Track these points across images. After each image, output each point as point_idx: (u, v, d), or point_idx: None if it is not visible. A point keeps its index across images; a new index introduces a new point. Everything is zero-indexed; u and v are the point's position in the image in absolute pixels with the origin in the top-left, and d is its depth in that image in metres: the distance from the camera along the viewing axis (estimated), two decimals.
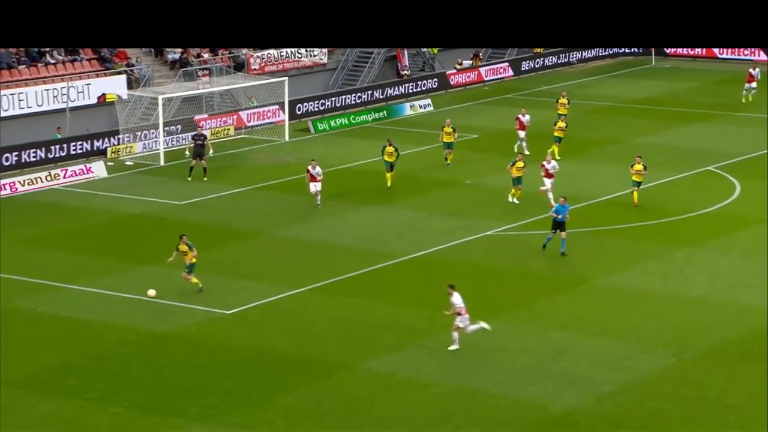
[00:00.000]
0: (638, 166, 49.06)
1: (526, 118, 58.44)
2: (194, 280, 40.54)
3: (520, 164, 50.01)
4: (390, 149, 52.61)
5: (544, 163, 49.78)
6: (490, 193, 52.40)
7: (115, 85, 63.94)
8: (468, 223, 48.42)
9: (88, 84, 63.06)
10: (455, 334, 35.69)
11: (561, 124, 58.50)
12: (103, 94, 63.37)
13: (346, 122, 67.52)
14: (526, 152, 55.71)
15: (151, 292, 39.47)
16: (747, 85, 70.11)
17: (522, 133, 58.68)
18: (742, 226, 47.33)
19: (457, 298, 35.63)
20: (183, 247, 40.19)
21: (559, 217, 43.57)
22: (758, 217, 48.02)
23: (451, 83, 76.19)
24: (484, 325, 35.98)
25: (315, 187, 50.25)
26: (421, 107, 70.81)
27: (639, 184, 49.16)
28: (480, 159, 58.00)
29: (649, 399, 33.10)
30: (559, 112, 61.81)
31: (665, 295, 40.83)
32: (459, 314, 35.60)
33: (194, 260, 40.23)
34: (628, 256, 43.98)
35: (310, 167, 50.48)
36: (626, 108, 70.23)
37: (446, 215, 49.44)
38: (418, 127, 66.12)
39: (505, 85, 77.58)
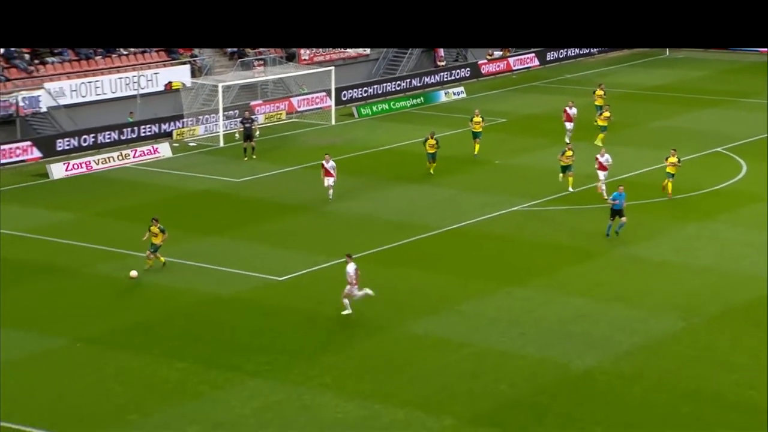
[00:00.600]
0: (673, 159, 47.34)
1: (573, 111, 56.82)
2: (161, 259, 40.05)
3: (569, 153, 48.85)
4: (432, 141, 51.70)
5: (598, 156, 48.03)
6: (518, 172, 52.32)
7: (180, 74, 64.14)
8: (497, 200, 48.33)
9: (156, 73, 63.39)
10: (346, 301, 35.51)
11: (606, 114, 56.85)
12: (170, 82, 63.59)
13: (387, 108, 67.40)
14: (567, 141, 54.14)
15: (133, 273, 38.57)
16: None
17: (569, 125, 57.25)
18: (749, 202, 47.09)
19: (351, 268, 35.38)
20: (155, 229, 39.58)
21: (617, 203, 42.32)
22: (763, 195, 47.72)
23: (483, 72, 75.86)
24: (368, 291, 35.66)
25: (328, 181, 48.17)
26: (455, 94, 70.63)
27: (673, 175, 47.32)
28: (508, 141, 57.84)
29: (661, 359, 33.06)
30: (596, 103, 59.96)
31: (676, 264, 40.70)
32: (350, 283, 35.38)
33: (162, 242, 39.52)
34: (643, 229, 43.74)
35: (324, 161, 48.41)
36: (642, 95, 69.78)
37: (477, 192, 49.35)
38: (452, 113, 65.93)
39: (532, 74, 77.18)
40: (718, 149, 56.06)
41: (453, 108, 67.48)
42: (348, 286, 35.56)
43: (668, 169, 47.46)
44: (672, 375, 32.00)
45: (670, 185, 47.32)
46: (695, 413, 29.89)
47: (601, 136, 55.71)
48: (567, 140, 55.26)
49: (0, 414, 29.64)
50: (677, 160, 47.45)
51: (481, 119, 54.98)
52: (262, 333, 35.28)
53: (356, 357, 33.52)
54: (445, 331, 35.18)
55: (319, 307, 37.24)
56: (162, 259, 39.92)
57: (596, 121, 56.87)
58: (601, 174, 47.40)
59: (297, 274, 40.23)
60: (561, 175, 48.58)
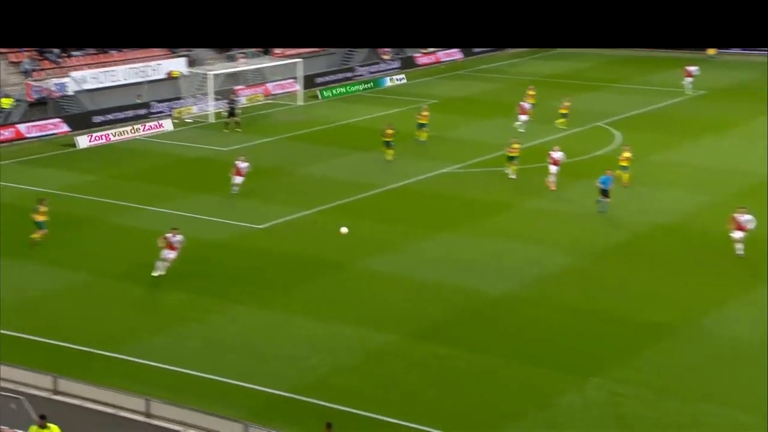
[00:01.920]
0: (627, 154, 43.60)
1: (558, 155, 45.76)
2: (36, 235, 36.21)
3: (516, 145, 44.86)
4: (389, 131, 48.56)
5: (551, 152, 43.58)
6: (447, 142, 52.14)
7: (178, 65, 63.46)
8: (431, 164, 48.22)
9: (159, 64, 62.72)
10: (160, 263, 33.53)
11: (567, 103, 54.31)
12: (170, 71, 62.89)
13: (344, 91, 66.94)
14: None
15: (344, 230, 33.86)
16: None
17: (523, 117, 52.75)
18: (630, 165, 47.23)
19: (178, 238, 33.61)
20: (43, 209, 36.15)
21: (603, 186, 39.82)
22: (634, 156, 47.98)
23: (417, 63, 75.38)
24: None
25: (237, 179, 42.41)
26: (397, 80, 70.22)
27: (627, 168, 43.23)
28: (439, 118, 57.60)
29: (561, 287, 33.20)
30: (530, 101, 55.48)
31: (569, 213, 40.79)
32: (172, 249, 33.42)
33: (42, 218, 35.97)
34: (543, 187, 43.75)
35: (238, 161, 42.82)
36: (542, 81, 69.73)
37: (415, 158, 49.16)
38: (395, 95, 65.73)
39: (457, 65, 76.78)
40: (598, 123, 56.12)
41: (395, 91, 67.26)
42: (167, 251, 33.39)
43: (621, 163, 43.60)
44: (570, 299, 32.17)
45: (625, 176, 42.99)
46: (587, 328, 30.07)
47: (561, 120, 54.54)
48: (521, 129, 52.70)
49: (47, 332, 29.30)
50: (630, 154, 43.83)
51: (427, 113, 52.77)
52: (245, 270, 35.05)
53: (321, 288, 33.41)
54: (391, 267, 35.13)
55: (291, 248, 37.03)
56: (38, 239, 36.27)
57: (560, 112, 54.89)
58: (553, 168, 43.05)
59: (273, 223, 39.94)
60: (507, 164, 45.10)
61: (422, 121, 52.53)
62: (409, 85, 68.76)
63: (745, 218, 33.87)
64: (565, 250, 36.36)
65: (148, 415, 25.01)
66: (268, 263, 35.67)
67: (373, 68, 71.75)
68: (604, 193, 39.98)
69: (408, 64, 74.35)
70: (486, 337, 29.57)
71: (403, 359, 28.36)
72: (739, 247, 34.24)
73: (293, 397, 26.13)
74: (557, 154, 43.49)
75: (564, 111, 55.33)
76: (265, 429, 23.76)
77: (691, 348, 28.61)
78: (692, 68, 63.62)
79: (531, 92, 57.52)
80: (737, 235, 34.10)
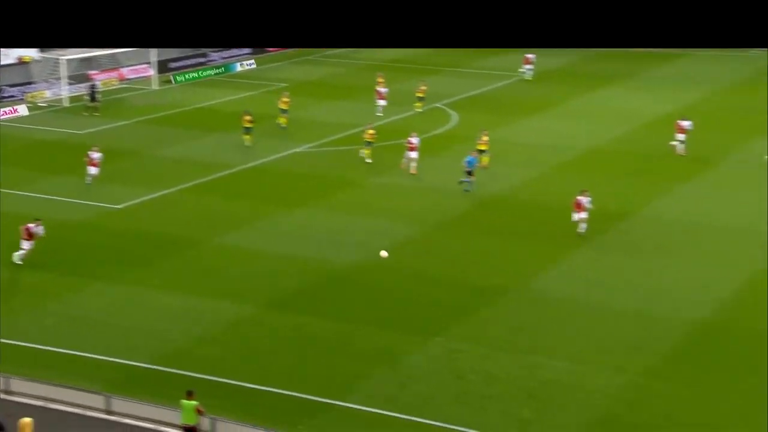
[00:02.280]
0: (485, 138, 43.31)
1: (384, 90, 52.36)
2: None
3: (371, 131, 44.42)
4: (248, 117, 47.64)
5: (411, 138, 42.87)
6: (297, 124, 52.15)
7: (29, 50, 60.90)
8: (283, 144, 48.22)
9: (9, 48, 60.08)
10: (22, 252, 32.49)
11: (420, 95, 54.25)
12: (21, 56, 60.30)
13: (197, 76, 65.90)
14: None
15: (383, 254, 30.91)
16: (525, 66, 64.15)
17: (382, 102, 52.49)
18: (460, 141, 48.44)
19: (40, 229, 32.57)
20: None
21: (468, 167, 40.05)
22: (470, 136, 49.27)
23: (267, 48, 74.77)
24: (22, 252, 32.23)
25: (92, 170, 40.92)
26: (247, 65, 69.62)
27: (485, 151, 42.89)
28: (290, 101, 57.61)
29: (406, 256, 33.60)
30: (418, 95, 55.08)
31: (413, 187, 41.50)
32: (30, 238, 32.24)
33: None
34: (384, 165, 44.03)
35: (91, 152, 41.16)
36: (386, 66, 70.22)
37: (268, 138, 49.05)
38: (246, 79, 65.21)
39: (305, 50, 76.17)
40: (437, 105, 57.16)
41: (247, 75, 66.72)
42: (27, 243, 32.26)
43: (480, 147, 42.82)
44: (412, 266, 32.83)
45: (485, 159, 42.21)
46: (429, 292, 30.85)
47: (418, 104, 54.60)
48: (379, 113, 52.48)
49: None
50: (487, 138, 43.16)
51: (288, 99, 51.62)
52: (105, 248, 34.39)
53: (180, 264, 33.12)
54: (247, 242, 35.12)
55: (149, 227, 36.49)
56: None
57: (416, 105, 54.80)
58: (412, 154, 42.43)
59: (131, 203, 39.22)
60: (363, 148, 44.57)
61: (284, 107, 52.07)
62: (259, 70, 68.33)
63: (586, 200, 34.71)
64: (410, 222, 37.09)
65: (7, 392, 24.36)
66: (127, 242, 35.07)
67: (225, 53, 70.86)
68: (469, 173, 40.37)
69: (258, 49, 73.76)
70: (338, 305, 30.00)
71: (261, 328, 28.52)
72: (582, 227, 34.97)
73: (154, 368, 25.94)
74: (415, 140, 43.20)
75: (420, 95, 55.73)
76: (127, 400, 23.56)
77: (521, 306, 29.82)
78: (531, 56, 64.83)
79: (381, 79, 57.65)
80: (580, 215, 34.65)
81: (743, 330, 27.89)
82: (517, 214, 38.27)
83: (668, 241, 34.74)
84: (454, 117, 53.92)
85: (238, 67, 68.68)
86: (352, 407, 24.08)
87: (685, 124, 45.19)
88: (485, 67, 68.50)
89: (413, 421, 23.47)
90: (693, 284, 31.07)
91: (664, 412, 23.66)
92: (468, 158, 40.68)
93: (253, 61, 70.29)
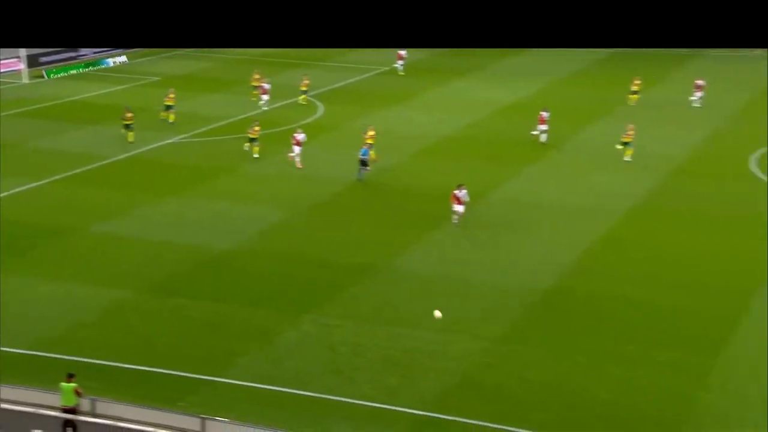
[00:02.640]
0: (371, 132, 42.49)
1: (267, 85, 52.07)
2: None
3: (257, 128, 43.30)
4: (129, 114, 45.83)
5: (295, 134, 42.03)
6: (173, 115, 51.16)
7: None
8: (157, 135, 47.23)
9: None
10: None
11: (304, 88, 53.76)
12: None
13: (69, 70, 63.84)
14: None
15: (437, 314, 26.96)
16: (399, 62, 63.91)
17: (297, 149, 48.50)
18: (326, 131, 48.65)
19: None
20: None
21: (362, 156, 39.80)
22: (335, 125, 49.54)
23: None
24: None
25: None
26: (119, 61, 67.72)
27: (372, 145, 41.81)
28: (163, 94, 56.47)
29: (277, 239, 33.77)
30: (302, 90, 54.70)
31: (281, 175, 41.32)
32: None
33: None
34: (251, 154, 44.03)
35: None
36: (254, 60, 69.55)
37: (142, 130, 47.88)
38: (117, 74, 63.51)
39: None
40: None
41: (119, 69, 65.03)
42: None
43: (368, 140, 42.03)
44: (283, 249, 32.86)
45: (373, 154, 41.14)
46: (301, 273, 30.94)
47: (302, 97, 54.17)
48: (265, 108, 51.72)
49: None
50: (374, 133, 42.51)
51: (174, 96, 50.24)
52: None
53: (57, 252, 32.19)
54: (123, 230, 34.37)
55: (25, 217, 35.22)
56: None
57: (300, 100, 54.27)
58: (296, 149, 41.63)
59: (5, 194, 37.82)
60: (248, 144, 43.37)
61: (169, 103, 50.41)
62: (131, 64, 66.57)
63: (462, 193, 34.63)
64: (281, 208, 37.05)
65: None
66: (3, 232, 33.72)
67: (97, 48, 68.71)
68: (363, 162, 40.11)
69: None
70: (215, 288, 29.75)
71: (139, 312, 28.01)
72: (455, 218, 34.57)
73: (35, 354, 25.13)
74: (300, 136, 42.29)
75: (304, 88, 55.30)
76: (7, 386, 22.77)
77: (387, 283, 30.28)
78: (403, 52, 64.70)
79: (257, 76, 56.51)
80: (458, 208, 34.54)
81: (583, 295, 29.17)
82: (382, 197, 38.74)
83: (517, 219, 35.90)
84: (321, 108, 53.99)
85: (110, 63, 66.72)
86: (230, 382, 24.00)
87: (546, 114, 46.45)
88: (349, 61, 68.75)
89: (289, 393, 23.59)
90: (539, 257, 32.24)
91: (515, 373, 24.56)
92: (362, 150, 40.42)
93: (125, 57, 68.41)
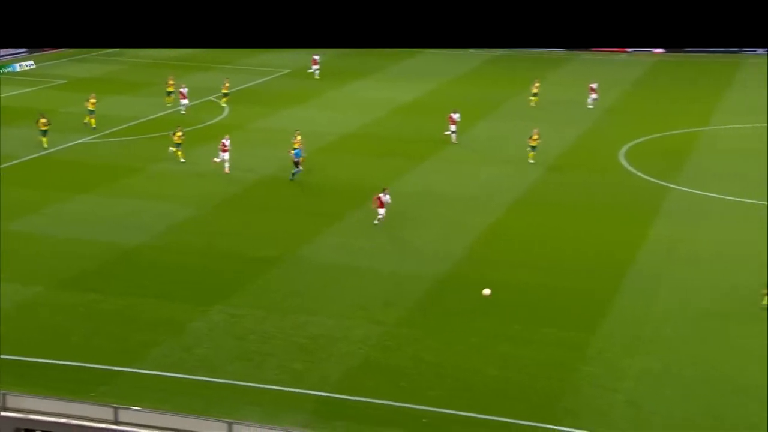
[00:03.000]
0: (299, 137, 41.14)
1: (185, 90, 50.54)
2: None
3: (180, 133, 41.77)
4: (43, 120, 43.95)
5: (223, 140, 40.37)
6: (78, 117, 49.53)
7: None
8: (66, 136, 45.84)
9: None
10: None
11: (226, 86, 52.45)
12: None
13: None
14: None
15: (486, 292, 27.17)
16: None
17: (184, 101, 49.41)
18: (231, 130, 47.96)
19: None
20: None
21: (296, 158, 39.01)
22: (239, 125, 49.08)
23: (44, 49, 70.31)
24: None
25: None
26: (26, 65, 65.32)
27: (297, 149, 40.35)
28: (68, 97, 54.76)
29: (187, 234, 33.25)
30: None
31: (189, 173, 40.75)
32: None
33: None
34: (160, 154, 43.12)
35: None
36: (161, 63, 68.08)
37: (52, 132, 46.31)
38: (26, 76, 61.28)
39: (82, 50, 72.49)
40: (210, 98, 56.28)
41: (26, 73, 62.79)
42: None
43: (294, 145, 40.56)
44: (193, 243, 32.41)
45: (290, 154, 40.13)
46: (210, 266, 30.57)
47: (224, 99, 52.99)
48: (183, 112, 50.16)
49: None
50: (300, 137, 41.14)
51: (95, 101, 48.22)
52: None
53: None
54: (35, 228, 33.36)
55: None
56: None
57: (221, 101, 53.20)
58: (223, 155, 40.14)
59: None
60: (173, 149, 41.79)
61: (91, 108, 48.27)
62: (39, 67, 64.38)
63: (386, 198, 33.89)
64: (190, 204, 36.50)
65: None
66: None
67: (1, 52, 66.11)
68: (296, 163, 39.41)
69: (34, 50, 69.17)
70: (126, 282, 29.11)
71: (51, 307, 27.20)
72: (377, 221, 33.72)
73: None
74: (227, 141, 40.59)
75: (225, 90, 54.13)
76: None
77: (293, 273, 30.17)
78: (317, 57, 63.73)
79: (171, 81, 54.67)
80: (380, 211, 33.72)
81: (474, 280, 29.68)
82: (287, 192, 38.58)
83: (414, 211, 36.26)
84: (226, 109, 53.34)
85: (18, 68, 64.24)
86: (141, 372, 23.56)
87: (456, 116, 46.61)
88: (253, 64, 68.07)
89: (199, 380, 23.30)
90: (434, 246, 32.65)
91: (412, 354, 24.86)
92: (295, 150, 39.76)
93: (32, 61, 65.99)
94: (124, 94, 55.85)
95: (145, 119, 49.99)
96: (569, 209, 36.54)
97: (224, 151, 40.50)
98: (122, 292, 28.25)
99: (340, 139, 47.40)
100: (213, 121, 50.43)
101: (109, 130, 47.40)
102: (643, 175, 40.74)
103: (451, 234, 33.87)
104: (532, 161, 42.13)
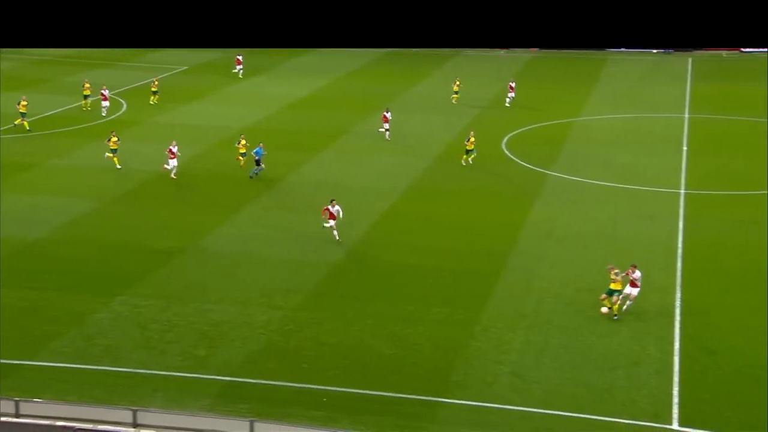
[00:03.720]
0: (243, 142, 39.75)
1: (106, 92, 48.68)
2: None
3: (115, 139, 39.38)
4: (18, 120, 42.25)
5: (171, 147, 37.99)
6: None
7: None
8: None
9: None
10: None
11: (156, 85, 50.79)
12: None
13: None
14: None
15: (604, 310, 25.55)
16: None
17: (172, 162, 42.41)
18: (130, 126, 46.58)
19: None
20: None
21: (257, 156, 37.58)
22: (138, 120, 47.70)
23: None
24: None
25: None
26: None
27: (245, 154, 39.48)
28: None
29: (87, 228, 32.27)
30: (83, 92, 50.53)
31: (85, 168, 39.48)
32: None
33: None
34: (57, 148, 41.65)
35: None
36: (55, 60, 65.41)
37: None
38: None
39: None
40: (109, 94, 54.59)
41: None
42: None
43: (241, 150, 39.56)
44: (93, 236, 31.39)
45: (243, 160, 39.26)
46: (112, 258, 29.64)
47: (154, 98, 51.10)
48: (104, 114, 48.15)
49: None
50: (246, 142, 40.03)
51: (26, 103, 45.87)
52: None
53: None
54: None
55: None
56: None
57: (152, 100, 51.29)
58: (172, 161, 38.01)
59: None
60: (109, 155, 39.59)
61: (23, 110, 45.67)
62: None
63: (336, 209, 31.46)
64: (89, 198, 35.35)
65: None
66: None
67: None
68: (257, 162, 38.18)
69: None
70: (26, 276, 27.96)
71: None
72: (327, 226, 31.42)
73: None
74: (175, 148, 38.23)
75: (154, 89, 52.54)
76: None
77: (194, 264, 29.58)
78: (240, 57, 62.12)
79: (87, 84, 51.67)
80: (330, 223, 31.45)
81: (371, 264, 29.82)
82: (187, 185, 37.75)
83: (312, 200, 36.07)
84: (124, 105, 51.74)
85: None
86: (42, 365, 22.65)
87: (389, 114, 46.00)
88: (150, 61, 66.27)
89: (102, 370, 22.57)
90: (332, 232, 32.59)
91: (312, 337, 24.78)
92: (256, 149, 38.43)
93: None
94: (20, 91, 53.26)
95: (43, 115, 47.92)
96: (457, 195, 37.14)
97: (172, 157, 38.17)
98: (22, 286, 27.09)
99: (238, 132, 46.70)
100: (110, 118, 48.86)
101: (5, 127, 45.21)
102: (523, 163, 41.82)
103: (348, 220, 33.90)
104: (464, 163, 40.58)
